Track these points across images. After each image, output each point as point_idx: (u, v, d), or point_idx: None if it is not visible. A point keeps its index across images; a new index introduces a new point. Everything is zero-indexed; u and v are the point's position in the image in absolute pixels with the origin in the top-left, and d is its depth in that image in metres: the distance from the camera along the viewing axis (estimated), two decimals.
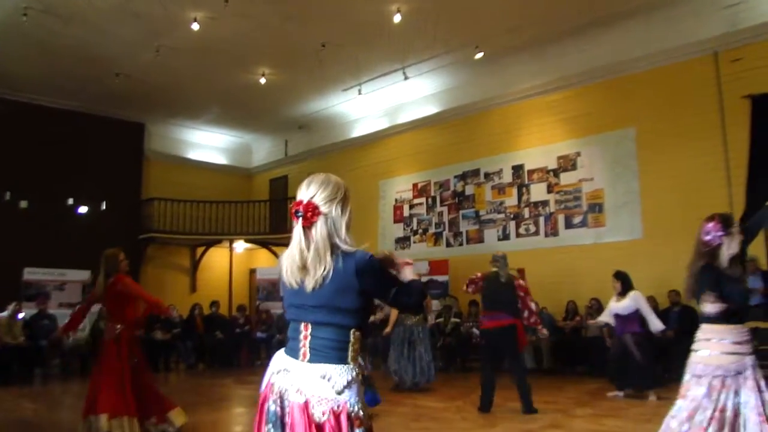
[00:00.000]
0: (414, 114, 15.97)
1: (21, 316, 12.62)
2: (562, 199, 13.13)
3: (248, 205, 18.40)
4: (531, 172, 13.70)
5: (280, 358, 2.41)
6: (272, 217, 18.41)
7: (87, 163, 16.33)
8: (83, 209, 16.51)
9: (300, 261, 2.30)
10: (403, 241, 15.98)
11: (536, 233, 13.46)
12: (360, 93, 15.09)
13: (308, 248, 2.30)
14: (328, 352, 2.30)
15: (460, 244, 14.76)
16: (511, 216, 13.92)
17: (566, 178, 13.11)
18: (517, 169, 13.92)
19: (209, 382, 11.92)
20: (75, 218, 16.29)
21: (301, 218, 2.34)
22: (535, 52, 13.22)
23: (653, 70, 11.97)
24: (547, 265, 12.74)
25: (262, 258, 18.92)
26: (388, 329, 10.54)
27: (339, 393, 2.25)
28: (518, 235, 13.75)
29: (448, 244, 15.04)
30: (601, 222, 12.48)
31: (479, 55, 13.16)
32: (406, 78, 14.17)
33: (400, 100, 15.84)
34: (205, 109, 17.22)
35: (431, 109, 15.61)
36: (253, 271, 18.48)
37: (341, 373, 2.28)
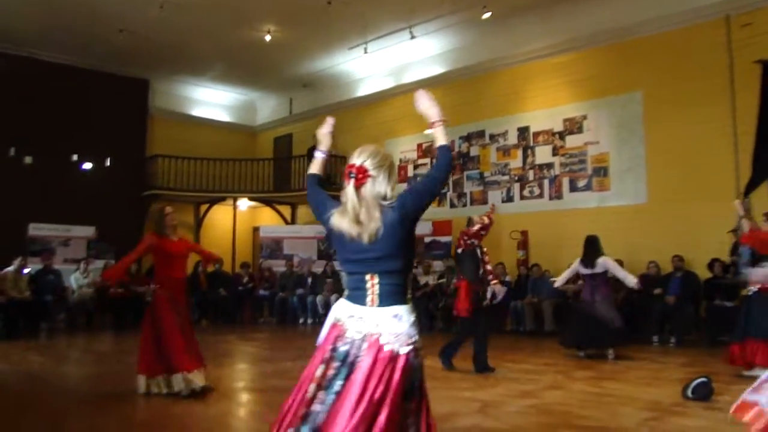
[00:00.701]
0: (420, 74, 15.84)
1: (26, 271, 12.71)
2: (567, 162, 13.08)
3: (252, 163, 18.37)
4: (536, 134, 13.63)
5: (344, 306, 2.65)
6: (276, 175, 18.39)
7: (91, 120, 16.31)
8: (88, 165, 16.53)
9: (353, 216, 2.55)
10: None
11: (540, 196, 13.45)
12: (366, 52, 14.96)
13: (360, 205, 2.55)
14: (394, 297, 2.58)
15: (464, 205, 14.75)
16: (516, 178, 13.89)
17: (572, 141, 13.05)
18: (523, 131, 13.85)
19: (213, 338, 12.01)
20: (79, 174, 16.32)
21: (353, 179, 2.60)
22: (543, 13, 13.06)
23: (662, 33, 11.81)
24: (550, 228, 12.76)
25: (265, 216, 18.96)
26: None
27: (411, 327, 2.56)
28: (522, 197, 13.74)
29: (452, 205, 15.04)
30: (605, 186, 12.45)
31: (487, 15, 13.00)
32: (412, 37, 14.03)
33: (406, 59, 15.70)
34: (210, 66, 17.10)
35: (437, 69, 15.49)
36: (256, 229, 18.53)
37: (409, 311, 2.60)
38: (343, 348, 2.52)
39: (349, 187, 2.59)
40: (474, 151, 14.72)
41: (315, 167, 3.07)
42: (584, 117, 12.89)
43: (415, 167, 15.91)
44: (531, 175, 13.66)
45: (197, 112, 19.28)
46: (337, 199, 2.68)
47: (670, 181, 11.38)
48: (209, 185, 17.62)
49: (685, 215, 10.97)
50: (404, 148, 16.19)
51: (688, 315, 10.36)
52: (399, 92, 16.36)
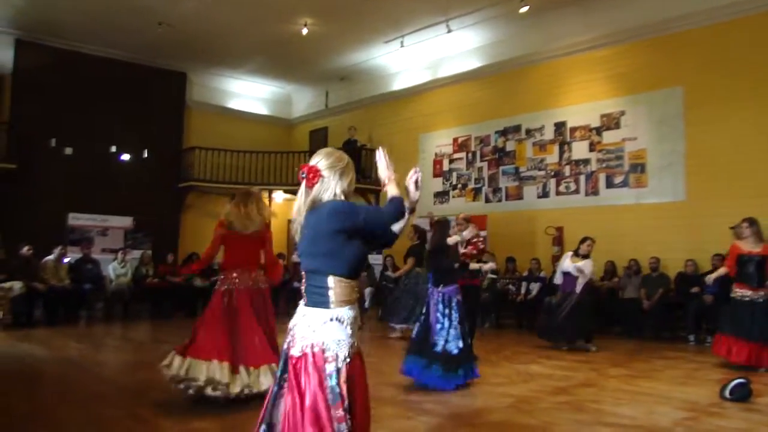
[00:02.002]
0: (456, 68, 15.76)
1: (66, 260, 12.97)
2: (603, 157, 12.93)
3: (288, 155, 18.45)
4: (573, 129, 13.49)
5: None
6: None
7: (130, 112, 16.56)
8: (126, 157, 16.75)
9: (297, 214, 2.77)
10: (441, 196, 15.95)
11: (576, 192, 13.31)
12: (402, 45, 14.93)
13: (305, 204, 2.75)
14: (312, 297, 2.68)
15: (499, 201, 14.67)
16: (552, 173, 13.77)
17: (609, 137, 12.89)
18: (559, 126, 13.72)
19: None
20: (118, 166, 16.55)
21: (304, 179, 2.74)
22: (582, 6, 12.90)
23: (705, 27, 11.56)
24: (586, 224, 12.61)
25: None
26: (399, 272, 10.71)
27: (313, 332, 2.60)
28: (558, 193, 13.61)
29: (487, 200, 14.96)
30: (643, 182, 12.28)
31: (524, 9, 12.88)
32: (449, 31, 13.96)
33: (442, 53, 15.63)
34: (247, 58, 17.21)
35: (474, 63, 15.40)
36: (291, 222, 18.53)
37: (319, 314, 2.63)
38: (283, 346, 2.75)
39: (301, 187, 2.80)
40: (510, 146, 14.62)
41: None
42: (622, 112, 12.71)
43: (451, 161, 15.85)
44: (567, 170, 13.52)
45: (234, 104, 19.43)
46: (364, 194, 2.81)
47: (710, 178, 11.17)
48: (245, 177, 17.74)
49: (725, 213, 10.74)
50: (440, 142, 16.14)
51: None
52: (435, 86, 16.31)
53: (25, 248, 12.14)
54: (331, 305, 2.63)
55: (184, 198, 17.76)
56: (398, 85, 17.27)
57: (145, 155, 16.89)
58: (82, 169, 15.58)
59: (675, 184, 11.78)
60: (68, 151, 15.64)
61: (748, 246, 8.07)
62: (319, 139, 19.61)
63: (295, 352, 2.60)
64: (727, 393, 5.93)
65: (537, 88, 14.08)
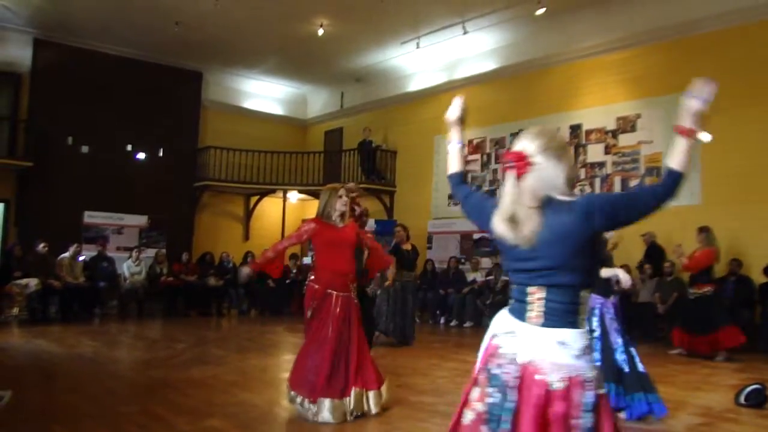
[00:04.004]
0: (472, 69, 15.73)
1: (81, 258, 13.06)
2: (619, 161, 12.86)
3: (303, 156, 18.49)
4: (589, 132, 13.43)
5: (503, 318, 2.27)
6: (326, 168, 18.47)
7: (146, 111, 16.64)
8: (142, 156, 16.85)
9: (507, 215, 2.13)
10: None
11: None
12: (418, 46, 14.91)
13: (519, 201, 2.13)
14: (560, 316, 2.12)
15: None
16: None
17: (625, 140, 12.82)
18: (575, 129, 13.67)
19: (260, 328, 12.19)
20: (134, 164, 16.65)
21: (512, 168, 2.15)
22: (598, 9, 12.85)
23: (722, 30, 11.48)
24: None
25: (314, 209, 18.98)
26: (389, 282, 10.10)
27: (577, 358, 2.09)
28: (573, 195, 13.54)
29: None
30: None
31: (541, 11, 12.83)
32: (465, 32, 13.93)
33: (458, 54, 15.60)
34: (263, 59, 17.26)
35: (490, 65, 15.36)
36: (305, 222, 18.63)
37: (577, 339, 2.11)
38: (496, 371, 2.14)
39: (509, 179, 2.15)
40: None
41: (453, 164, 2.63)
42: (638, 116, 12.64)
43: (466, 163, 15.75)
44: (582, 173, 13.46)
45: (249, 104, 19.48)
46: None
47: (726, 182, 11.08)
48: (260, 177, 17.78)
49: (741, 217, 10.68)
50: None
51: (742, 320, 10.10)
52: (451, 88, 16.25)
53: (41, 245, 12.25)
54: (579, 325, 2.15)
55: (199, 197, 17.82)
56: (414, 86, 17.26)
57: (161, 154, 16.99)
58: (98, 167, 15.69)
59: (691, 187, 11.67)
60: (85, 149, 15.77)
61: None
62: (333, 140, 19.63)
63: (554, 384, 2.05)
64: (742, 399, 5.88)
65: (553, 91, 14.03)
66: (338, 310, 4.96)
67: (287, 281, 15.04)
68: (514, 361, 2.11)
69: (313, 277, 5.13)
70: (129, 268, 13.65)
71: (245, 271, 5.47)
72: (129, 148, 16.58)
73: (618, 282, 8.45)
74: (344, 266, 5.07)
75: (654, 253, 11.65)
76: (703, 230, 9.36)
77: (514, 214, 2.11)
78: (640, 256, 11.72)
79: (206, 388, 6.21)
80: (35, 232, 13.03)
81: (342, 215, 5.05)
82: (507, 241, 2.15)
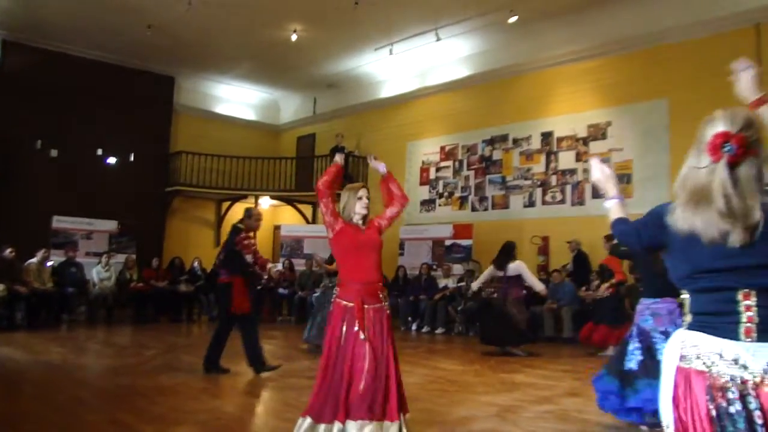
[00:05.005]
0: (444, 76, 15.80)
1: (50, 263, 12.87)
2: (590, 167, 12.97)
3: (275, 161, 18.43)
4: (560, 139, 13.55)
5: (696, 340, 1.88)
6: (298, 174, 18.44)
7: (116, 115, 16.46)
8: (112, 160, 16.66)
9: (725, 206, 1.82)
10: (428, 204, 15.96)
11: (562, 201, 13.36)
12: (391, 53, 14.95)
13: (734, 191, 1.83)
14: None
15: (485, 209, 14.70)
16: (538, 183, 13.81)
17: (595, 147, 12.95)
18: (546, 136, 13.78)
19: (231, 335, 12.07)
20: (104, 169, 16.46)
21: (729, 153, 1.87)
22: (571, 18, 12.97)
23: (690, 40, 11.67)
24: (571, 234, 12.66)
25: (286, 215, 19.02)
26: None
27: None
28: (544, 202, 13.66)
29: (473, 209, 14.99)
30: (628, 193, 12.33)
31: (513, 19, 12.94)
32: (438, 39, 13.99)
33: (431, 61, 15.66)
34: (236, 64, 17.18)
35: (462, 72, 15.44)
36: (277, 228, 18.59)
37: None
38: (733, 408, 1.75)
39: (720, 166, 1.87)
40: (497, 155, 14.65)
41: (620, 212, 2.39)
42: (609, 123, 12.79)
43: (438, 170, 15.87)
44: (554, 180, 13.57)
45: (221, 109, 19.38)
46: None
47: None
48: (231, 183, 17.70)
49: None
50: (427, 150, 16.16)
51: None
52: (423, 94, 16.34)
53: (8, 250, 12.04)
54: None
55: (170, 202, 17.68)
56: (386, 92, 17.29)
57: (132, 159, 16.81)
58: (68, 171, 15.49)
59: (659, 195, 11.78)
60: (54, 153, 15.56)
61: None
62: (306, 146, 19.61)
63: None
64: None
65: (525, 98, 14.14)
66: (370, 323, 4.19)
67: (258, 287, 14.92)
68: (747, 392, 1.76)
69: (339, 291, 4.29)
70: (98, 273, 13.49)
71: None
72: (99, 152, 16.39)
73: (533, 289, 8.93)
74: (373, 274, 4.36)
75: (579, 260, 12.20)
76: (609, 238, 9.74)
77: (733, 205, 1.82)
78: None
79: (176, 396, 6.14)
80: (2, 237, 12.80)
81: (363, 218, 4.43)
82: (706, 236, 1.84)
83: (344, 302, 4.15)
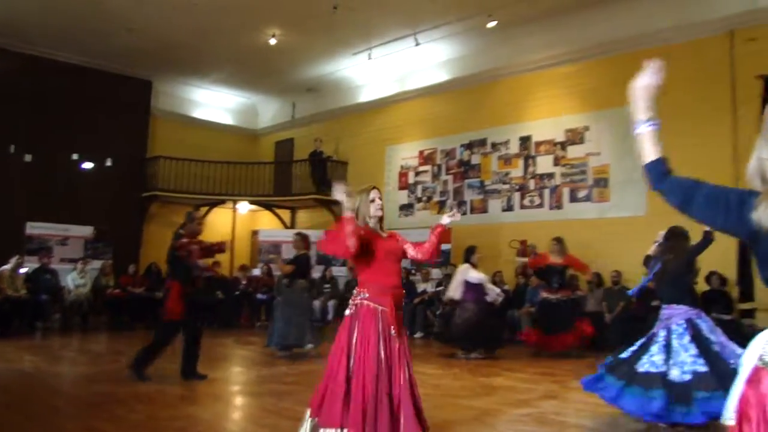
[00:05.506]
0: (423, 81, 15.84)
1: (23, 270, 12.68)
2: (568, 172, 13.06)
3: (253, 166, 18.35)
4: (538, 144, 13.62)
5: None
6: (277, 179, 18.38)
7: (93, 119, 16.27)
8: (88, 165, 16.48)
9: None
10: (407, 208, 15.96)
11: (540, 205, 13.42)
12: (370, 58, 14.96)
13: None
14: None
15: (464, 214, 14.70)
16: (516, 187, 13.87)
17: (573, 152, 13.04)
18: (525, 141, 13.84)
19: (209, 341, 11.93)
20: (79, 174, 16.27)
21: None
22: (549, 23, 13.06)
23: (667, 46, 11.76)
24: (549, 237, 12.69)
25: (265, 220, 18.94)
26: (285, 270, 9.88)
27: None
28: (522, 206, 13.72)
29: None
30: (605, 197, 12.43)
31: (492, 24, 13.01)
32: (417, 44, 14.03)
33: (410, 66, 15.69)
34: (214, 68, 17.09)
35: (441, 77, 15.48)
36: (255, 233, 18.49)
37: None
38: None
39: None
40: (475, 159, 14.69)
41: (650, 150, 2.15)
42: (586, 128, 12.87)
43: (416, 174, 15.88)
44: (532, 184, 13.64)
45: (199, 114, 19.27)
46: None
47: None
48: (210, 188, 17.58)
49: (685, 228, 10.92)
50: (405, 154, 16.17)
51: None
52: (402, 99, 16.36)
53: None
54: None
55: (147, 208, 17.52)
56: (365, 97, 17.29)
57: (108, 164, 16.63)
58: (42, 176, 15.28)
59: (636, 199, 11.94)
60: (28, 158, 15.33)
61: (554, 258, 10.18)
62: (284, 151, 19.56)
63: None
64: None
65: (503, 103, 14.21)
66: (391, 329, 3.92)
67: (236, 293, 14.87)
68: None
69: (367, 294, 3.94)
70: (73, 280, 13.31)
71: None
72: (75, 157, 16.20)
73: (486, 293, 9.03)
74: (399, 280, 4.12)
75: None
76: (558, 241, 10.33)
77: None
78: (591, 267, 11.91)
79: (152, 403, 6.07)
80: None
81: (380, 221, 4.16)
82: None
83: (374, 305, 3.88)
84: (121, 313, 13.69)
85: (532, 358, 9.98)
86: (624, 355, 5.62)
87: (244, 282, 15.17)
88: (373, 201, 4.11)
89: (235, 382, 7.98)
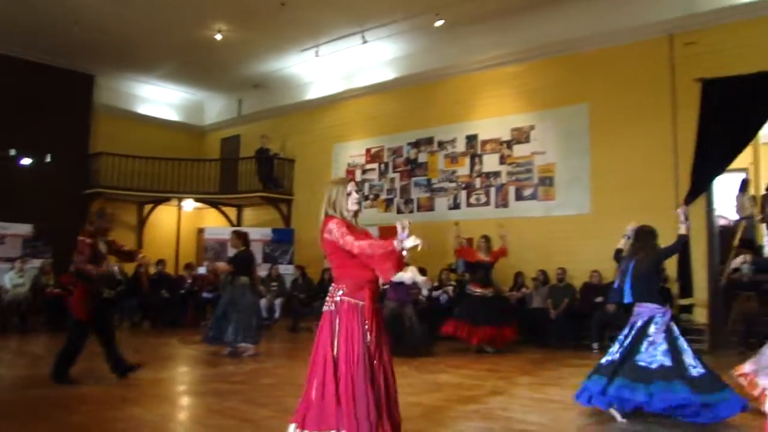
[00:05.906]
0: (371, 79, 15.84)
1: None
2: (513, 171, 13.22)
3: (199, 163, 18.10)
4: (484, 142, 13.75)
5: None
6: (223, 176, 18.18)
7: (32, 114, 15.77)
8: (27, 161, 16.00)
9: None
10: None
11: (486, 204, 13.56)
12: (317, 55, 14.92)
13: None
14: None
15: (411, 211, 14.78)
16: (463, 185, 13.98)
17: (519, 151, 13.20)
18: (471, 139, 13.96)
19: (154, 340, 11.81)
20: (17, 170, 15.77)
21: None
22: (495, 23, 13.20)
23: (609, 48, 12.06)
24: (495, 236, 12.86)
25: (210, 217, 18.72)
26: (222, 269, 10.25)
27: None
28: (469, 204, 13.84)
29: (399, 211, 15.06)
30: (551, 195, 12.63)
31: (439, 23, 13.09)
32: (364, 42, 14.03)
33: (357, 64, 15.68)
34: (159, 63, 16.79)
35: (388, 75, 15.51)
36: (201, 231, 18.25)
37: None
38: None
39: None
40: (422, 157, 14.77)
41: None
42: (532, 127, 13.05)
43: (363, 172, 15.88)
44: (478, 182, 13.76)
45: (144, 110, 18.91)
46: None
47: (613, 192, 11.58)
48: (154, 185, 17.28)
49: (627, 226, 11.15)
50: (353, 152, 16.15)
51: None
52: (350, 96, 16.33)
53: None
54: None
55: (89, 205, 17.10)
56: (313, 94, 17.22)
57: (49, 159, 16.16)
58: None
59: (581, 197, 12.17)
60: None
61: (482, 255, 10.62)
62: (230, 148, 19.35)
63: None
64: None
65: (450, 101, 14.31)
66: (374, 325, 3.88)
67: (181, 291, 14.65)
68: None
69: (345, 290, 3.89)
70: (11, 279, 12.93)
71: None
72: (12, 152, 15.70)
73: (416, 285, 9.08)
74: (373, 273, 3.93)
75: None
76: (486, 239, 10.81)
77: None
78: (537, 265, 12.07)
79: (95, 404, 5.94)
80: None
81: (355, 215, 4.06)
82: None
83: (354, 300, 3.85)
84: (62, 313, 13.34)
85: (478, 355, 10.07)
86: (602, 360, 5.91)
87: (189, 281, 14.95)
88: (350, 194, 4.04)
89: (180, 381, 7.87)
